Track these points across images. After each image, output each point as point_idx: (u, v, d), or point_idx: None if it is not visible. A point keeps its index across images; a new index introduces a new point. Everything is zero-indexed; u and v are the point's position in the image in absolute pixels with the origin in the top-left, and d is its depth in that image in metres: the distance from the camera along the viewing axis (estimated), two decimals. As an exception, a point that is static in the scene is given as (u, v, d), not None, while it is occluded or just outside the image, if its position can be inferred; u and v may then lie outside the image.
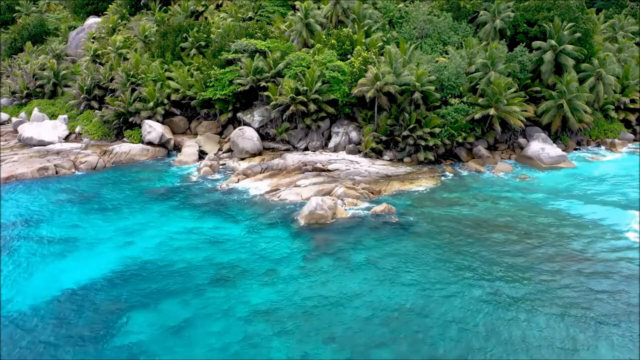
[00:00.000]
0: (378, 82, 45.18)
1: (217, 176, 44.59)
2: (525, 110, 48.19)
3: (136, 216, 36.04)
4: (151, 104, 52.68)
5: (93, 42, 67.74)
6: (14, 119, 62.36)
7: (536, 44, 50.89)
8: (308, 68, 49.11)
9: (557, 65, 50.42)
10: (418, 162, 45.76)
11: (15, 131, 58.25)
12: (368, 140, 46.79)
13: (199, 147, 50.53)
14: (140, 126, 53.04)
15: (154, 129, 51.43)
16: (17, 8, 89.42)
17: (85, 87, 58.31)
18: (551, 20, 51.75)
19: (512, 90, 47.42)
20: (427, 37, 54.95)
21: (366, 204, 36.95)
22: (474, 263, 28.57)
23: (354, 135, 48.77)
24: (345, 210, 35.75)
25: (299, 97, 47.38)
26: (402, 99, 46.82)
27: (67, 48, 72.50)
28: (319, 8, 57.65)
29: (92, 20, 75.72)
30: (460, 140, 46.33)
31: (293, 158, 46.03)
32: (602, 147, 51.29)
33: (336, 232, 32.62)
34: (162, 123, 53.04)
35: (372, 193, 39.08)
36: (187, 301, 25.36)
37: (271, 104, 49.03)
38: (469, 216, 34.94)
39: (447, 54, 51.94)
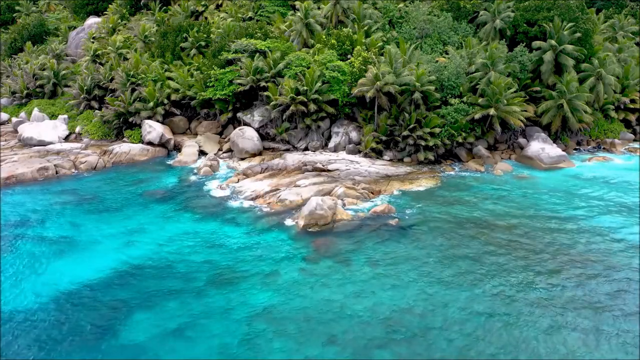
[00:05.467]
0: (378, 82, 45.17)
1: (217, 176, 44.58)
2: (525, 110, 48.17)
3: (136, 217, 36.04)
4: (151, 104, 52.69)
5: (93, 42, 67.72)
6: (14, 119, 62.36)
7: (536, 44, 50.86)
8: (308, 68, 49.11)
9: (557, 65, 50.39)
10: (418, 162, 45.77)
11: (15, 131, 58.26)
12: (368, 140, 46.79)
13: (199, 147, 50.56)
14: (140, 126, 53.05)
15: (154, 129, 51.43)
16: (17, 8, 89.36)
17: (85, 87, 58.33)
18: (551, 20, 51.71)
19: (512, 90, 47.40)
20: (427, 37, 54.94)
21: (366, 204, 36.97)
22: (475, 263, 28.57)
23: (354, 135, 48.76)
24: (345, 210, 35.75)
25: (299, 97, 47.38)
26: (402, 99, 46.81)
27: (67, 48, 72.51)
28: (319, 8, 57.61)
29: (92, 20, 75.69)
30: (460, 140, 46.34)
31: (293, 158, 46.02)
32: (602, 147, 51.28)
33: (336, 233, 32.63)
34: (162, 123, 53.05)
35: (372, 193, 39.08)
36: (188, 302, 25.37)
37: (271, 104, 49.03)
38: (469, 216, 34.94)
39: (447, 54, 51.91)
